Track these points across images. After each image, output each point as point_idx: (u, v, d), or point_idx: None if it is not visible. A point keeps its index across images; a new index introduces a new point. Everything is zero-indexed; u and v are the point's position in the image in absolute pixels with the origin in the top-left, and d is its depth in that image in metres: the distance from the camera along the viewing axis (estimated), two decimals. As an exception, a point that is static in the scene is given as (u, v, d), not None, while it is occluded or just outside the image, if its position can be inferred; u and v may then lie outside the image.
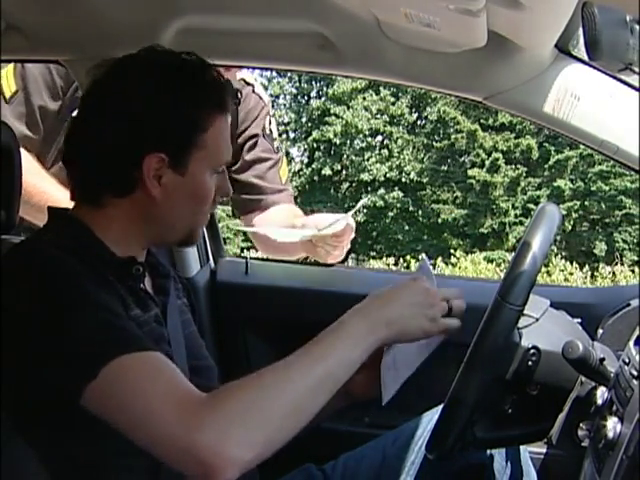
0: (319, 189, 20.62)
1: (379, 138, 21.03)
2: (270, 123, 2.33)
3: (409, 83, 1.76)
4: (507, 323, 1.38)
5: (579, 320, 1.54)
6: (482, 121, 19.65)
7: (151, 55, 1.38)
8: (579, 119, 1.57)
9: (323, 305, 2.19)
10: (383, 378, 1.39)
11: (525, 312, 1.41)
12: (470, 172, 19.32)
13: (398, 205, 20.05)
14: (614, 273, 12.61)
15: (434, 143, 20.27)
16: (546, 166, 19.24)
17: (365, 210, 19.45)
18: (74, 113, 1.47)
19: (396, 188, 20.15)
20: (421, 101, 20.74)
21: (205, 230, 2.29)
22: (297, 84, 22.24)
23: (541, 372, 1.43)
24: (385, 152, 20.63)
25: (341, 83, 20.32)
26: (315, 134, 20.73)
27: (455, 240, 19.30)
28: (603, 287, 8.03)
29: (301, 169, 20.82)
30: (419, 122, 21.25)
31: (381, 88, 20.11)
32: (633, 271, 13.17)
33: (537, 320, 1.46)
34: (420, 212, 20.20)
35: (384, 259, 15.47)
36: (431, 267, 1.44)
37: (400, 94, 20.48)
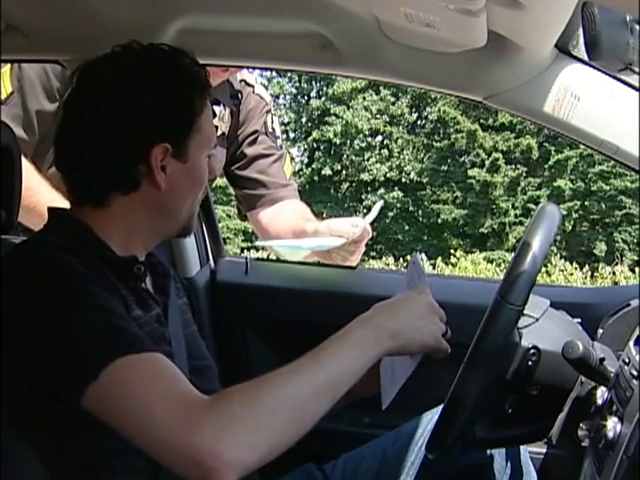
0: (319, 189, 20.61)
1: (379, 138, 21.03)
2: (273, 122, 2.33)
3: (409, 83, 1.76)
4: (507, 323, 1.38)
5: (579, 320, 1.54)
6: (482, 121, 19.64)
7: (132, 51, 1.39)
8: (579, 119, 1.57)
9: (323, 305, 2.20)
10: (382, 382, 1.39)
11: (525, 312, 1.41)
12: (470, 172, 19.32)
13: (398, 205, 20.05)
14: (614, 273, 12.61)
15: (434, 143, 20.26)
16: (546, 166, 19.23)
17: (365, 210, 19.44)
18: None
19: (396, 188, 20.15)
20: (421, 101, 20.73)
21: (205, 230, 2.30)
22: (297, 84, 22.24)
23: (541, 372, 1.43)
24: (385, 152, 20.62)
25: (341, 83, 20.31)
26: (315, 134, 20.73)
27: (455, 240, 19.29)
28: (603, 287, 8.04)
29: (301, 169, 20.81)
30: (419, 122, 21.25)
31: (381, 88, 20.11)
32: (633, 271, 13.17)
33: (537, 320, 1.46)
34: (420, 212, 20.19)
35: (384, 259, 15.48)
36: (422, 263, 1.43)
37: (400, 94, 20.47)
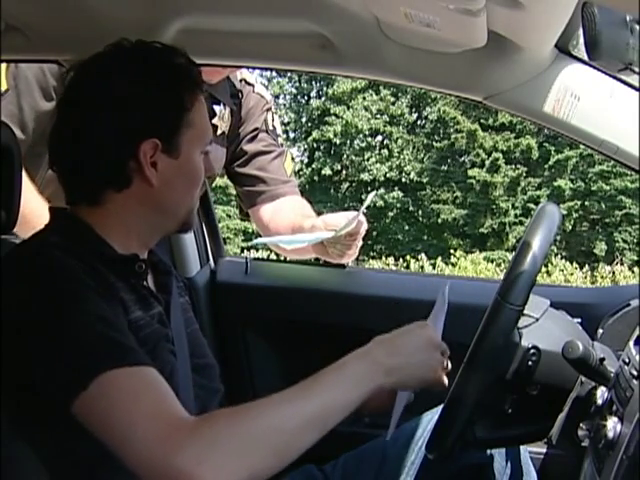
0: (319, 189, 20.61)
1: (379, 138, 21.03)
2: (273, 120, 2.33)
3: (409, 83, 1.76)
4: (507, 323, 1.38)
5: (579, 320, 1.54)
6: (482, 121, 19.64)
7: (121, 48, 1.39)
8: (579, 119, 1.57)
9: (323, 305, 2.20)
10: (395, 411, 1.38)
11: (525, 312, 1.42)
12: (470, 172, 19.32)
13: (398, 205, 20.05)
14: (614, 273, 12.60)
15: (434, 143, 20.27)
16: (546, 166, 19.24)
17: (365, 210, 19.44)
18: None
19: (396, 188, 20.15)
20: (421, 101, 20.73)
21: (205, 230, 2.30)
22: (297, 84, 22.24)
23: (541, 372, 1.43)
24: (385, 152, 20.63)
25: (341, 83, 20.31)
26: (315, 134, 20.73)
27: (455, 240, 19.30)
28: (603, 287, 8.04)
29: (301, 169, 20.81)
30: (419, 122, 21.25)
31: (381, 88, 20.11)
32: (633, 271, 13.16)
33: (537, 320, 1.46)
34: (420, 212, 20.19)
35: (384, 259, 15.47)
36: (445, 296, 1.42)
37: (400, 94, 20.48)
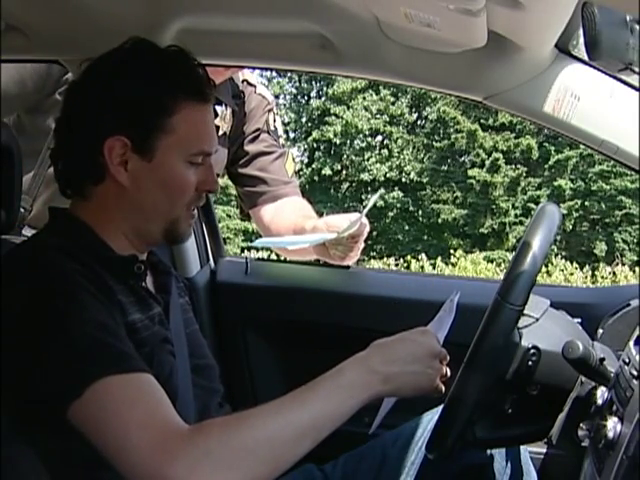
0: (319, 189, 20.59)
1: (379, 138, 21.01)
2: (274, 120, 2.33)
3: (409, 83, 1.76)
4: (507, 323, 1.38)
5: (579, 320, 1.54)
6: (482, 121, 19.63)
7: (124, 46, 1.39)
8: (579, 119, 1.57)
9: (323, 305, 2.20)
10: (382, 408, 1.39)
11: (525, 312, 1.42)
12: (470, 172, 19.30)
13: (398, 205, 20.03)
14: (614, 273, 12.59)
15: (434, 143, 20.25)
16: (546, 166, 19.22)
17: (368, 210, 19.42)
18: None
19: (396, 188, 20.14)
20: (421, 101, 20.72)
21: (205, 230, 2.30)
22: (297, 84, 22.23)
23: (541, 372, 1.43)
24: (385, 152, 20.61)
25: (341, 83, 20.30)
26: (315, 134, 20.71)
27: (455, 240, 19.28)
28: (603, 287, 8.04)
29: (301, 169, 20.80)
30: (419, 122, 21.24)
31: (381, 88, 20.09)
32: (633, 271, 13.15)
33: (537, 320, 1.46)
34: (420, 212, 20.18)
35: (384, 259, 15.46)
36: (454, 304, 1.43)
37: (400, 94, 20.46)
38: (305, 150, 21.57)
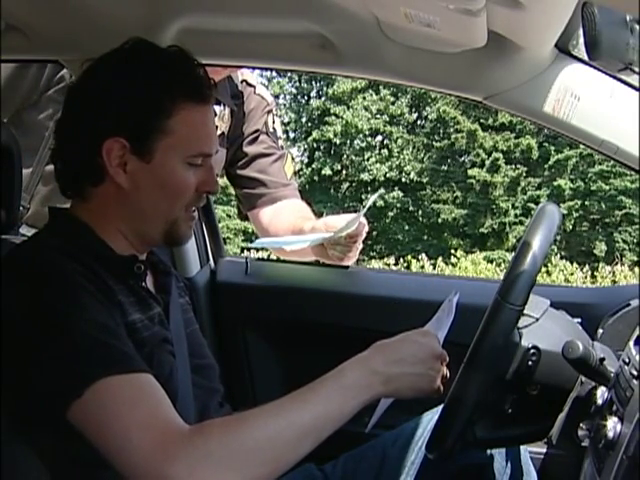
0: (319, 189, 20.60)
1: (379, 138, 21.01)
2: (274, 122, 2.32)
3: (409, 83, 1.76)
4: (507, 323, 1.38)
5: (579, 320, 1.54)
6: (482, 121, 19.63)
7: (124, 47, 1.39)
8: (579, 119, 1.57)
9: (323, 305, 2.20)
10: (379, 407, 1.39)
11: (525, 312, 1.41)
12: (470, 172, 19.31)
13: (398, 205, 20.03)
14: (614, 273, 12.59)
15: (434, 143, 20.25)
16: (546, 166, 19.23)
17: (367, 209, 19.41)
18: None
19: (396, 188, 20.14)
20: (421, 101, 20.72)
21: (205, 230, 2.30)
22: (297, 84, 22.23)
23: (541, 372, 1.43)
24: (385, 152, 20.61)
25: (341, 83, 20.30)
26: (315, 134, 20.71)
27: (455, 240, 19.28)
28: (603, 287, 8.03)
29: (301, 169, 20.80)
30: (419, 122, 21.24)
31: (381, 88, 20.09)
32: (633, 271, 13.15)
33: (537, 320, 1.46)
34: (420, 212, 20.18)
35: (384, 259, 15.46)
36: (453, 304, 1.43)
37: (400, 94, 20.46)
38: (305, 150, 21.58)
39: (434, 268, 13.22)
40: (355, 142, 20.84)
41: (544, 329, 1.45)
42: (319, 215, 2.29)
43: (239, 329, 2.23)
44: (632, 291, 1.99)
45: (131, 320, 1.30)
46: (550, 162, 19.11)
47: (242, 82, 2.28)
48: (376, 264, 14.89)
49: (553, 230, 1.43)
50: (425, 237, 19.98)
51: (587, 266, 13.14)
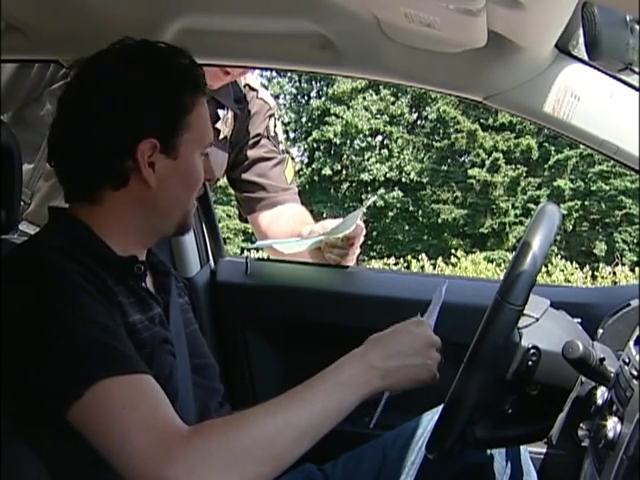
0: (319, 189, 20.60)
1: (379, 138, 21.01)
2: (275, 126, 2.32)
3: (409, 83, 1.76)
4: (507, 323, 1.38)
5: (579, 320, 1.54)
6: (482, 121, 19.63)
7: (125, 47, 1.39)
8: (579, 119, 1.57)
9: (323, 305, 2.20)
10: (382, 401, 1.39)
11: (525, 312, 1.41)
12: (470, 172, 19.31)
13: (398, 205, 20.03)
14: (614, 273, 12.58)
15: (434, 143, 20.25)
16: (546, 166, 19.23)
17: (365, 210, 19.40)
18: None
19: (396, 188, 20.14)
20: (421, 101, 20.72)
21: (205, 230, 2.30)
22: (297, 84, 22.23)
23: (541, 372, 1.43)
24: (385, 152, 20.61)
25: (341, 83, 20.30)
26: (315, 134, 20.71)
27: (455, 240, 19.28)
28: (603, 287, 8.03)
29: (301, 169, 20.79)
30: (419, 122, 21.24)
31: (381, 88, 20.09)
32: (633, 271, 13.15)
33: (537, 320, 1.46)
34: (420, 212, 20.18)
35: (384, 259, 15.46)
36: (441, 294, 1.44)
37: (400, 94, 20.46)
38: (305, 150, 21.58)
39: (434, 268, 13.22)
40: (355, 142, 20.84)
41: (544, 329, 1.45)
42: (319, 216, 2.29)
43: (239, 329, 2.23)
44: (632, 291, 1.99)
45: (131, 321, 1.30)
46: (550, 162, 19.11)
47: (245, 86, 2.28)
48: (376, 264, 14.88)
49: (553, 230, 1.43)
50: (425, 237, 19.98)
51: (587, 266, 13.13)
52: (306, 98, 22.24)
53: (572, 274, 12.52)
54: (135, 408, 1.15)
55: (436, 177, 20.14)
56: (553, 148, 19.12)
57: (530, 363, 1.42)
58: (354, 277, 2.26)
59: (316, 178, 20.73)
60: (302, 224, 2.22)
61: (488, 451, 1.62)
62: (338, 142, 20.47)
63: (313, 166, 20.82)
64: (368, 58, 1.63)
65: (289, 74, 20.72)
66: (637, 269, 13.31)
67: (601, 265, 13.86)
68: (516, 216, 19.05)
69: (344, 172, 21.01)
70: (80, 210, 1.38)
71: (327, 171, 20.56)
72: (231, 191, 2.44)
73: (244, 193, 2.31)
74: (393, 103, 20.64)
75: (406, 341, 1.30)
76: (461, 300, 1.96)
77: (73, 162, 1.37)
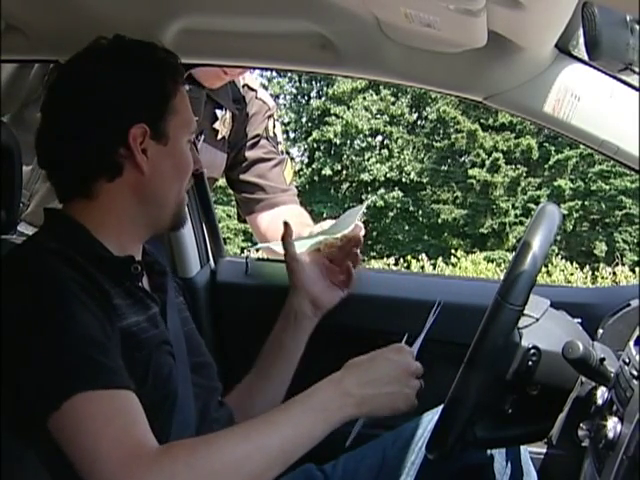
0: (319, 189, 20.60)
1: (379, 138, 21.01)
2: (274, 127, 2.32)
3: (409, 83, 1.76)
4: (507, 323, 1.38)
5: (579, 320, 1.54)
6: (482, 121, 19.63)
7: (101, 44, 1.42)
8: (579, 119, 1.57)
9: (323, 305, 2.19)
10: (357, 423, 1.38)
11: (525, 312, 1.41)
12: (470, 172, 19.31)
13: (398, 205, 20.04)
14: (614, 273, 12.58)
15: (434, 143, 20.25)
16: (546, 166, 19.23)
17: (365, 210, 19.40)
18: None
19: (396, 188, 20.14)
20: (421, 101, 20.72)
21: (205, 230, 2.29)
22: (297, 84, 22.23)
23: (541, 372, 1.43)
24: (385, 152, 20.61)
25: (341, 83, 20.30)
26: (315, 134, 20.71)
27: (455, 240, 19.28)
28: (603, 287, 8.04)
29: (301, 169, 20.79)
30: (419, 122, 21.24)
31: (381, 88, 20.09)
32: (633, 271, 13.15)
33: (537, 320, 1.46)
34: (420, 212, 20.18)
35: (384, 259, 15.46)
36: (434, 313, 1.45)
37: (400, 94, 20.46)
38: (305, 150, 21.58)
39: (434, 268, 13.22)
40: (355, 142, 20.84)
41: (544, 329, 1.45)
42: (319, 216, 2.29)
43: (239, 329, 2.23)
44: (632, 291, 1.98)
45: (128, 323, 1.30)
46: (550, 162, 19.11)
47: (244, 86, 2.27)
48: (376, 264, 14.88)
49: (553, 230, 1.43)
50: (425, 237, 19.98)
51: (587, 266, 13.14)
52: (306, 98, 22.25)
53: (572, 274, 12.51)
54: (109, 423, 1.15)
55: (436, 177, 20.14)
56: (553, 148, 19.12)
57: (530, 363, 1.42)
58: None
59: (316, 178, 20.73)
60: (301, 225, 2.21)
61: (488, 451, 1.62)
62: (338, 142, 20.47)
63: (313, 166, 20.82)
64: (368, 58, 1.63)
65: (289, 74, 20.72)
66: (637, 269, 13.32)
67: (601, 265, 13.86)
68: (516, 216, 19.05)
69: (344, 172, 21.00)
70: (75, 208, 1.38)
71: (327, 171, 20.56)
72: (231, 191, 2.44)
73: (243, 194, 2.30)
74: (393, 103, 20.63)
75: (384, 369, 1.29)
76: (461, 300, 1.96)
77: (66, 160, 1.38)
